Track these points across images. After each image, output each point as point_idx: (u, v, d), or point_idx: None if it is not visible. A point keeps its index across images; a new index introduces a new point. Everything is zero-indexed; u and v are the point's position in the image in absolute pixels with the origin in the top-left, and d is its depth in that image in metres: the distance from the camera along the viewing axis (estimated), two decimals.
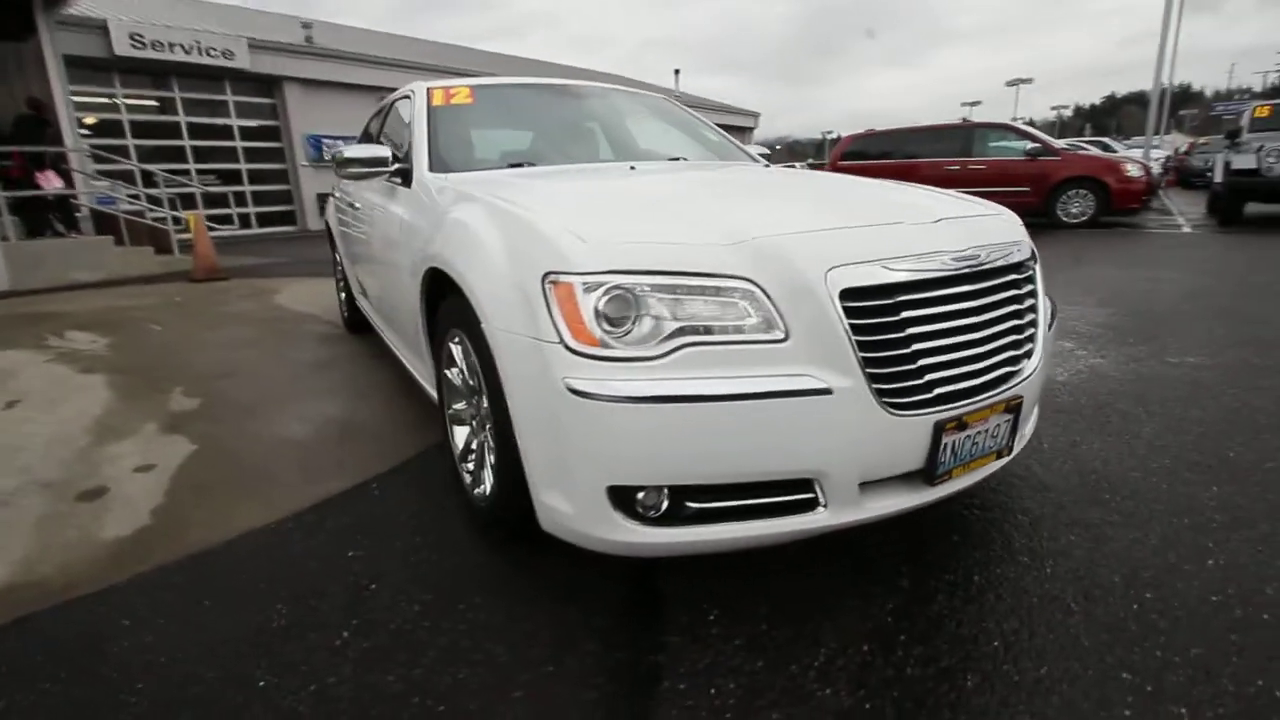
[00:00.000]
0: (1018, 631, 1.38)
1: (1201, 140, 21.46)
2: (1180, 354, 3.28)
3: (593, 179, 2.00)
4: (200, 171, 13.84)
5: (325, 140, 15.99)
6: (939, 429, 1.35)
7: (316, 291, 6.03)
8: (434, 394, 2.20)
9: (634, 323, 1.26)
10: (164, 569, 1.74)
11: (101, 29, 11.80)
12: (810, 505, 1.33)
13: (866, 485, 1.36)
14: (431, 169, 2.21)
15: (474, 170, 2.22)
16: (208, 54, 13.15)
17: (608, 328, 1.26)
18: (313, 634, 1.46)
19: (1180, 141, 27.31)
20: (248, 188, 15.17)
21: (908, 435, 1.34)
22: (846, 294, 1.28)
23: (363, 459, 2.38)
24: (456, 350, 1.80)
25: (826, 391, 1.26)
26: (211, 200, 13.88)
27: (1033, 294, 1.61)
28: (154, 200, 8.79)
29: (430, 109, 2.48)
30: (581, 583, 1.60)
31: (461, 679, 1.32)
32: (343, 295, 4.42)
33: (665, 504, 1.31)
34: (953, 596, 1.51)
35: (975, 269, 1.43)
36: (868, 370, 1.28)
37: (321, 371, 3.50)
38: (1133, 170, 9.00)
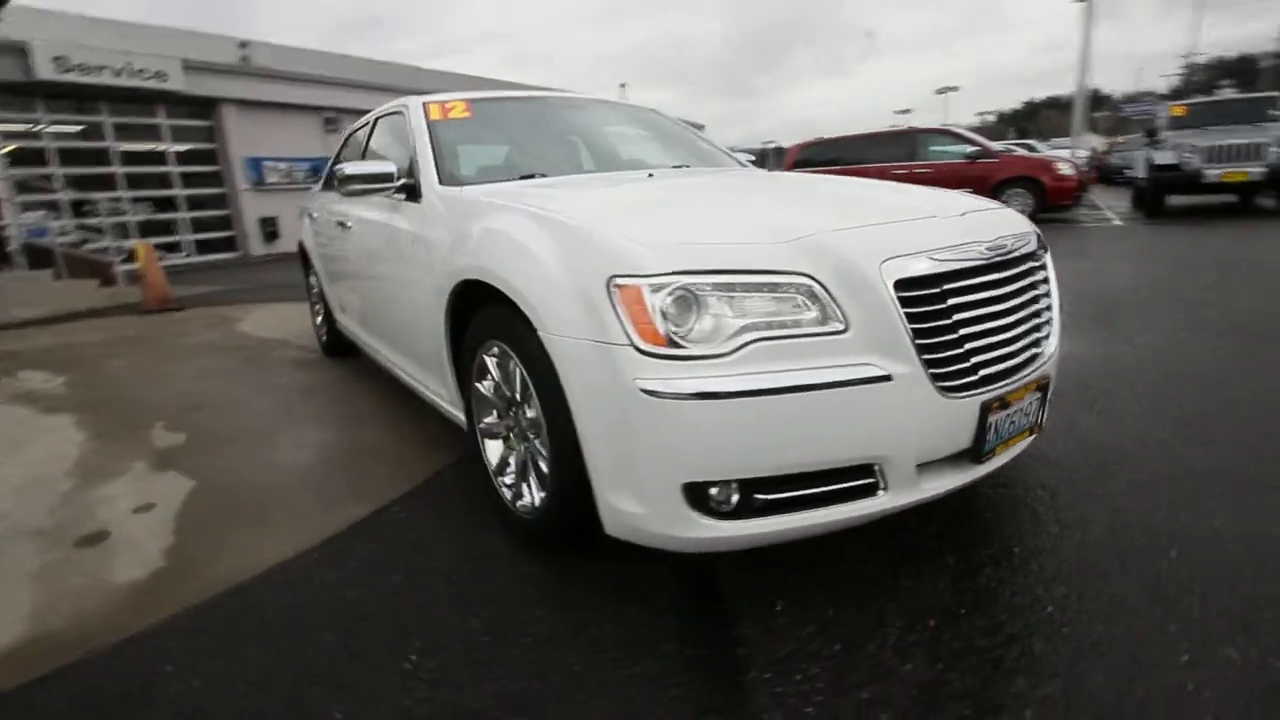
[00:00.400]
0: (1067, 596, 1.46)
1: (1119, 140, 22.93)
2: (1141, 335, 3.50)
3: (619, 187, 2.03)
4: (135, 200, 13.20)
5: (266, 162, 15.50)
6: (985, 409, 1.42)
7: (282, 317, 5.83)
8: (453, 411, 2.17)
9: (700, 322, 1.29)
10: (194, 610, 1.66)
11: (21, 51, 11.16)
12: (872, 490, 1.38)
13: (922, 467, 1.41)
14: (442, 183, 2.19)
15: (486, 183, 2.21)
16: (139, 76, 12.58)
17: (674, 328, 1.28)
18: (375, 659, 1.42)
19: (1095, 142, 29.10)
20: (185, 214, 14.54)
21: (958, 416, 1.40)
22: (900, 284, 1.34)
23: (376, 483, 2.31)
24: (491, 362, 1.79)
25: (887, 378, 1.31)
26: (152, 229, 13.26)
27: (1046, 279, 1.71)
28: (90, 230, 8.33)
29: (430, 124, 2.46)
30: (639, 585, 1.61)
31: (542, 689, 1.30)
32: (319, 319, 4.30)
33: (736, 498, 1.33)
34: (999, 569, 1.58)
35: (1005, 257, 1.52)
36: (923, 356, 1.34)
37: (308, 397, 3.39)
38: (1065, 169, 9.55)
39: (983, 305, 1.45)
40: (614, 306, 1.31)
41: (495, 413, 1.91)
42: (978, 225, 1.56)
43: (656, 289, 1.29)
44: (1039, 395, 1.58)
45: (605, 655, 1.39)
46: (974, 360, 1.42)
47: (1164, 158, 8.83)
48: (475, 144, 2.49)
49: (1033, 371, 1.55)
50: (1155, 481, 1.94)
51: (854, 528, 1.45)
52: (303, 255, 4.29)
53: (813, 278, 1.32)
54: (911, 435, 1.36)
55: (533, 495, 1.72)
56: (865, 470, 1.36)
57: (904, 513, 1.45)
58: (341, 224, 2.97)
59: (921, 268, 1.37)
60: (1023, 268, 1.58)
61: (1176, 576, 1.50)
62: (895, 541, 1.72)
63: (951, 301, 1.40)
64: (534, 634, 1.47)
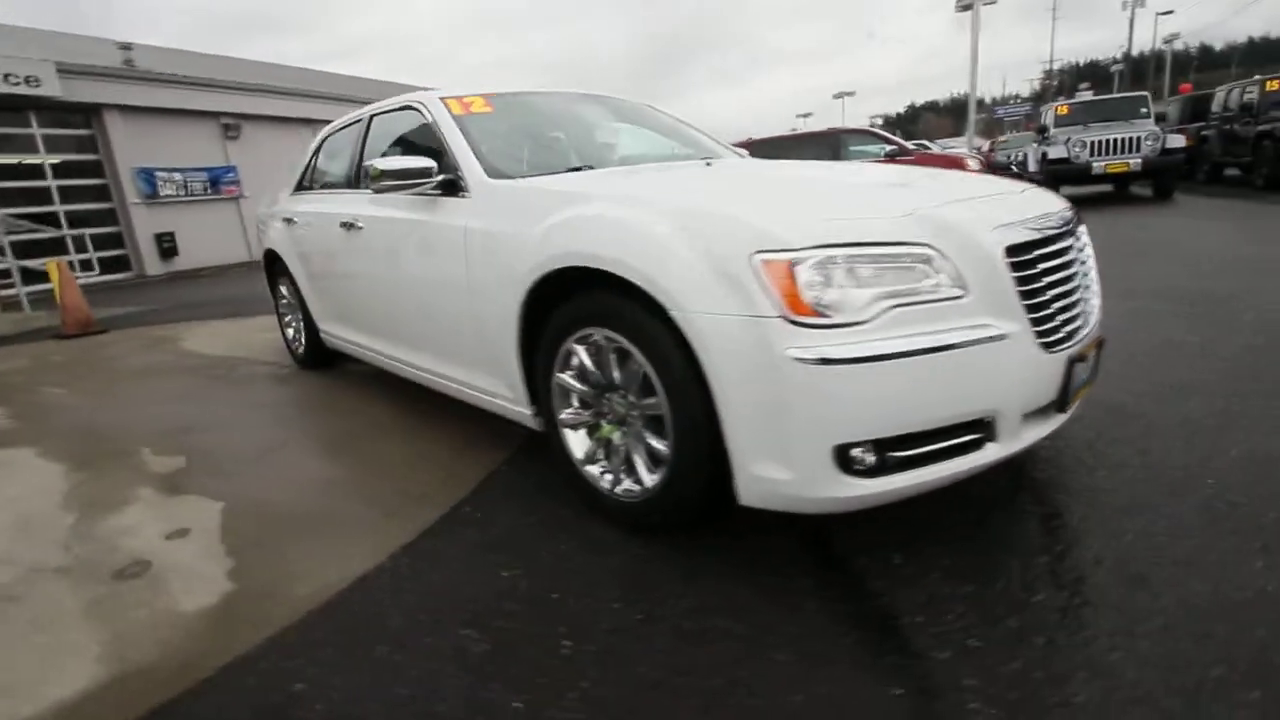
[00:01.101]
0: (1146, 525, 1.65)
1: (1000, 138, 25.10)
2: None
3: (696, 175, 2.08)
4: (18, 216, 11.83)
5: (159, 173, 14.29)
6: (1071, 362, 1.59)
7: (228, 334, 5.44)
8: (512, 408, 2.15)
9: (841, 291, 1.37)
10: (300, 627, 1.56)
11: None
12: (985, 441, 1.51)
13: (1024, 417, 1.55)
14: (490, 176, 2.16)
15: (534, 176, 2.20)
16: (7, 82, 11.30)
17: (819, 298, 1.36)
18: (528, 649, 1.41)
19: (977, 141, 31.71)
20: (67, 231, 13.17)
21: (1052, 370, 1.56)
22: (1008, 250, 1.47)
23: (431, 487, 2.25)
24: (582, 350, 1.79)
25: (1003, 337, 1.44)
26: (37, 249, 11.91)
27: (1087, 246, 1.91)
28: None
29: (457, 119, 2.41)
30: (755, 554, 1.67)
31: (713, 653, 1.34)
32: (291, 330, 4.06)
33: (873, 457, 1.42)
34: (1080, 506, 1.75)
35: (1069, 227, 1.69)
36: (1029, 316, 1.48)
37: (307, 411, 3.21)
38: (974, 164, 10.38)
39: (1060, 270, 1.62)
40: (760, 281, 1.36)
41: (578, 403, 1.91)
42: (1038, 200, 1.73)
43: (801, 262, 1.36)
44: (1096, 351, 1.77)
45: (758, 617, 1.44)
46: (1060, 319, 1.58)
47: (1056, 152, 9.78)
48: (502, 138, 2.46)
49: (1093, 329, 1.73)
50: (1167, 427, 2.20)
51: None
52: (269, 264, 4.04)
53: (933, 247, 1.43)
54: (1020, 389, 1.50)
55: (640, 478, 1.74)
56: (981, 424, 1.49)
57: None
58: (348, 225, 2.84)
59: (1022, 235, 1.52)
60: (1077, 236, 1.77)
61: (1222, 503, 1.72)
62: (972, 493, 1.86)
63: (1041, 266, 1.55)
64: (681, 607, 1.50)
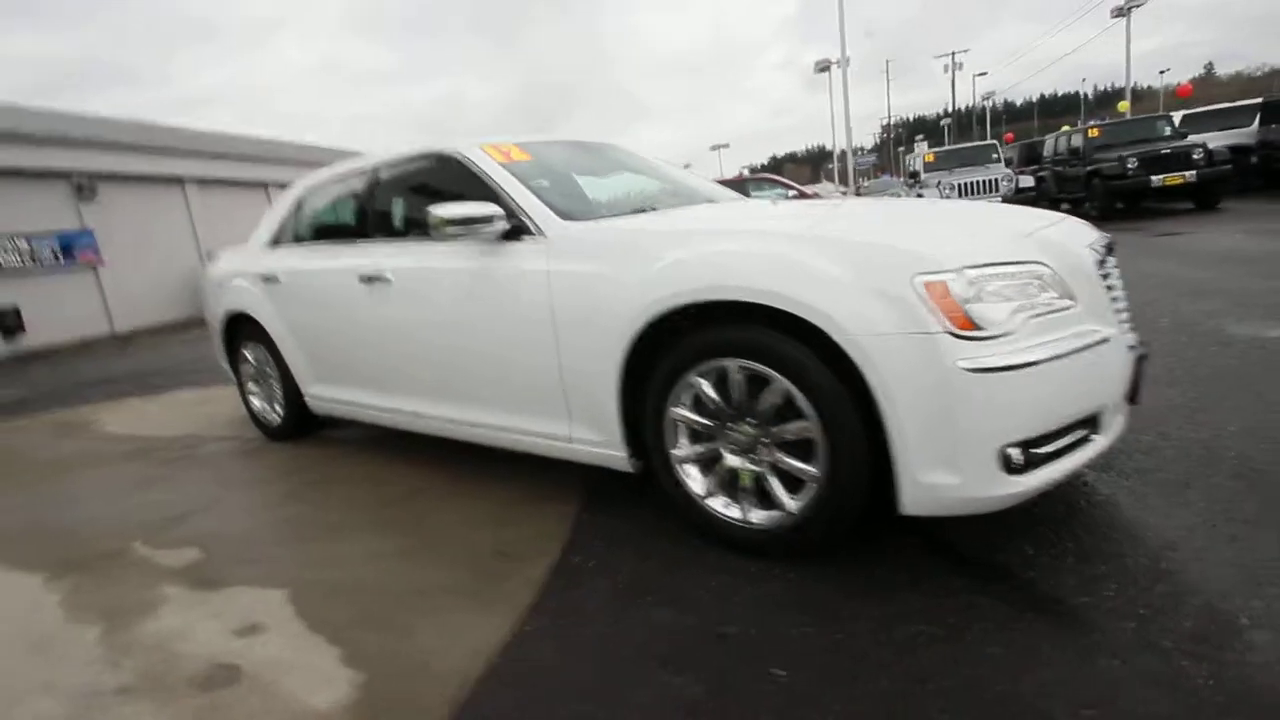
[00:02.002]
0: (1205, 494, 1.91)
1: (864, 183, 27.84)
2: None
3: (789, 212, 2.18)
4: None
5: None
6: (1139, 361, 1.84)
7: (154, 413, 4.84)
8: (598, 452, 2.12)
9: (990, 305, 1.52)
10: (474, 701, 1.45)
11: None
12: (1090, 436, 1.70)
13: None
14: (564, 219, 2.18)
15: (603, 218, 2.24)
16: None
17: (974, 313, 1.50)
18: (742, 683, 1.39)
19: (830, 188, 35.01)
20: None
21: (1129, 368, 1.80)
22: (1095, 264, 1.71)
23: (518, 544, 2.14)
24: (704, 383, 1.83)
25: (1107, 340, 1.66)
26: None
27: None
28: None
29: (507, 166, 2.41)
30: (892, 568, 1.75)
31: (934, 659, 1.39)
32: (258, 400, 3.71)
33: (1022, 456, 1.56)
34: (1142, 485, 1.99)
35: (1111, 246, 1.98)
36: (1119, 321, 1.72)
37: (317, 485, 2.93)
38: None
39: (1115, 280, 1.88)
40: (925, 301, 1.49)
41: (690, 437, 1.93)
42: (1082, 225, 2.01)
43: (957, 281, 1.50)
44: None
45: (946, 618, 1.50)
46: (1127, 321, 1.83)
47: (929, 194, 11.05)
48: (550, 183, 2.48)
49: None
50: (1173, 408, 2.55)
51: None
52: (230, 329, 3.70)
53: (1046, 264, 1.63)
54: (1117, 385, 1.72)
55: (781, 504, 1.77)
56: (1091, 419, 1.68)
57: None
58: (369, 278, 2.69)
59: (1098, 252, 1.76)
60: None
61: (1251, 470, 2.03)
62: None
63: (1110, 278, 1.81)
64: (869, 622, 1.53)
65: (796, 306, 1.60)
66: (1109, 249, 1.97)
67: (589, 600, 1.78)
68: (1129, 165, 9.83)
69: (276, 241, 3.42)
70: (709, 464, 1.94)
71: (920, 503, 1.58)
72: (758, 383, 1.76)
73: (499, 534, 2.24)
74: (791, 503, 1.76)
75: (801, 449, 1.74)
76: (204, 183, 16.21)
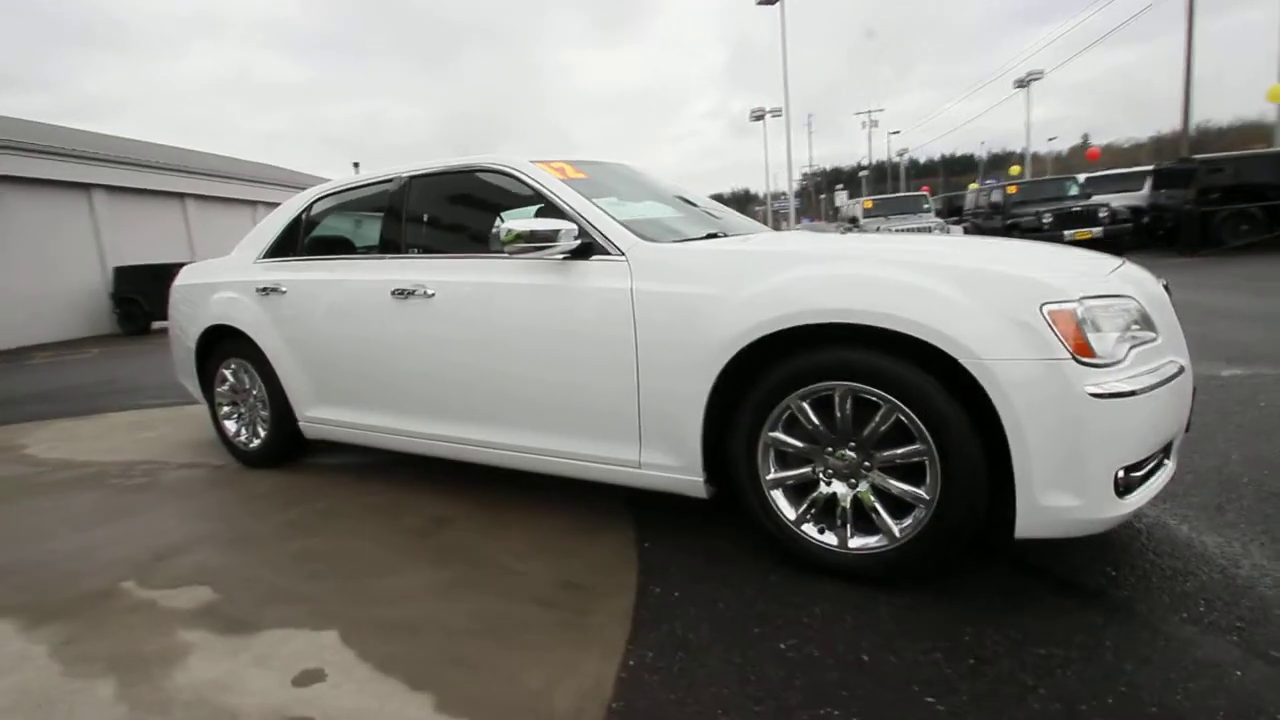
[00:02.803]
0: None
1: (799, 225, 29.21)
2: None
3: (860, 240, 2.22)
4: None
5: None
6: (1193, 392, 1.98)
7: (90, 435, 4.30)
8: (674, 478, 2.06)
9: (1103, 334, 1.60)
10: None
11: None
12: (1164, 462, 1.80)
13: None
14: (643, 239, 2.14)
15: (671, 240, 2.22)
16: None
17: (1092, 341, 1.57)
18: (895, 713, 1.35)
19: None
20: None
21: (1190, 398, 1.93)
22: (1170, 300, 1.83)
23: (589, 575, 2.03)
24: (805, 405, 1.81)
25: (1184, 370, 1.77)
26: None
27: None
28: None
29: (569, 183, 2.35)
30: (990, 594, 1.77)
31: (1082, 678, 1.40)
32: (234, 422, 3.39)
33: (1125, 479, 1.63)
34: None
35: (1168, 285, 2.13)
36: (1186, 353, 1.84)
37: (324, 516, 2.67)
38: None
39: None
40: (1053, 328, 1.54)
41: (783, 463, 1.90)
42: (1138, 266, 2.16)
43: (1078, 310, 1.57)
44: None
45: (1072, 639, 1.52)
46: None
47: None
48: (611, 203, 2.43)
49: None
50: None
51: None
52: (203, 345, 3.38)
53: (1136, 299, 1.73)
54: (1185, 412, 1.83)
55: (887, 529, 1.76)
56: (1168, 445, 1.78)
57: None
58: (403, 292, 2.53)
59: (1167, 291, 1.89)
60: None
61: (1264, 490, 2.21)
62: None
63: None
64: (997, 646, 1.53)
65: (924, 331, 1.61)
66: (1167, 289, 2.12)
67: (692, 633, 1.69)
68: (1044, 220, 10.79)
69: (276, 253, 3.17)
70: (802, 489, 1.91)
71: (1035, 526, 1.61)
72: (863, 406, 1.76)
73: (559, 565, 2.11)
74: (896, 527, 1.76)
75: (908, 473, 1.74)
76: (114, 190, 14.93)
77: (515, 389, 2.34)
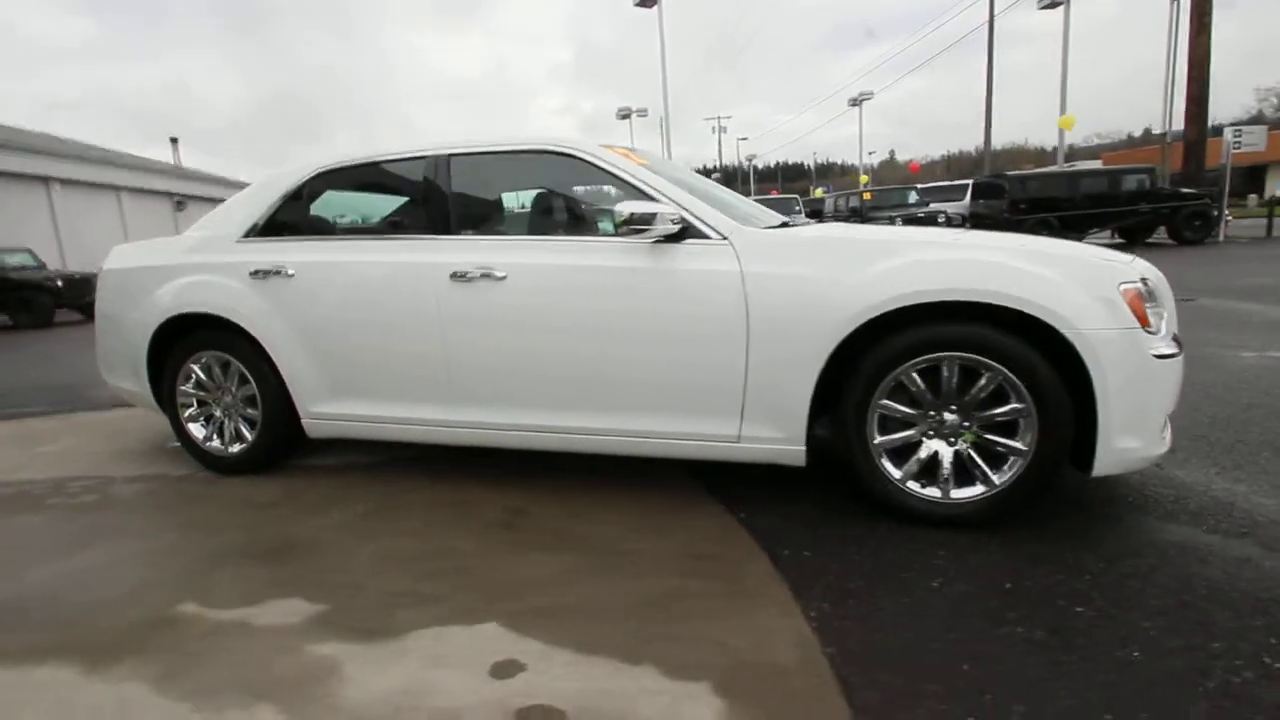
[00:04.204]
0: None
1: None
2: None
3: (937, 232, 2.46)
4: None
5: None
6: None
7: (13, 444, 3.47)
8: (780, 449, 2.21)
9: (1152, 309, 1.99)
10: (870, 712, 1.45)
11: None
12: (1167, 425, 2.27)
13: None
14: (742, 224, 2.25)
15: (756, 225, 2.35)
16: None
17: (1147, 314, 1.96)
18: (1108, 656, 1.62)
19: None
20: None
21: None
22: None
23: (710, 545, 2.11)
24: (914, 374, 2.05)
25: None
26: None
27: None
28: None
29: (650, 169, 2.39)
30: (1067, 527, 2.13)
31: (1160, 571, 1.76)
32: (199, 425, 2.97)
33: (1165, 423, 2.05)
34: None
35: None
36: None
37: (369, 515, 2.46)
38: None
39: None
40: (1127, 303, 1.90)
41: (886, 428, 2.13)
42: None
43: (1141, 289, 1.95)
44: None
45: (1147, 545, 1.90)
46: None
47: None
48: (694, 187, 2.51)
49: None
50: None
51: None
52: (158, 339, 2.92)
53: (1151, 283, 2.16)
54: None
55: (989, 480, 2.05)
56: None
57: None
58: (464, 276, 2.40)
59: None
60: None
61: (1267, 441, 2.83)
62: None
63: None
64: (1103, 562, 1.86)
65: (1032, 307, 1.91)
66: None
67: (849, 584, 1.85)
68: (896, 223, 12.25)
69: (269, 232, 2.82)
70: (904, 451, 2.14)
71: (1109, 465, 1.97)
72: (964, 374, 2.03)
73: (671, 541, 2.16)
74: (996, 477, 2.05)
75: (1002, 429, 2.04)
76: None
77: (605, 372, 2.34)
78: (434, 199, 2.60)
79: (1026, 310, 1.92)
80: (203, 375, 2.93)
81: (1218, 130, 16.61)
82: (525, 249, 2.42)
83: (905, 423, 2.13)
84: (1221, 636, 1.54)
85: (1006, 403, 2.01)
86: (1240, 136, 12.40)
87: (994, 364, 1.98)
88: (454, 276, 2.44)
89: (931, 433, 2.12)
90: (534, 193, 2.64)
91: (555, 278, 2.36)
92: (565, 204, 2.66)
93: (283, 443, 2.90)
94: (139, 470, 3.08)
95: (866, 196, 13.66)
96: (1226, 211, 13.28)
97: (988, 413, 2.04)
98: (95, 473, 3.08)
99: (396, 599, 1.89)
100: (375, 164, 2.77)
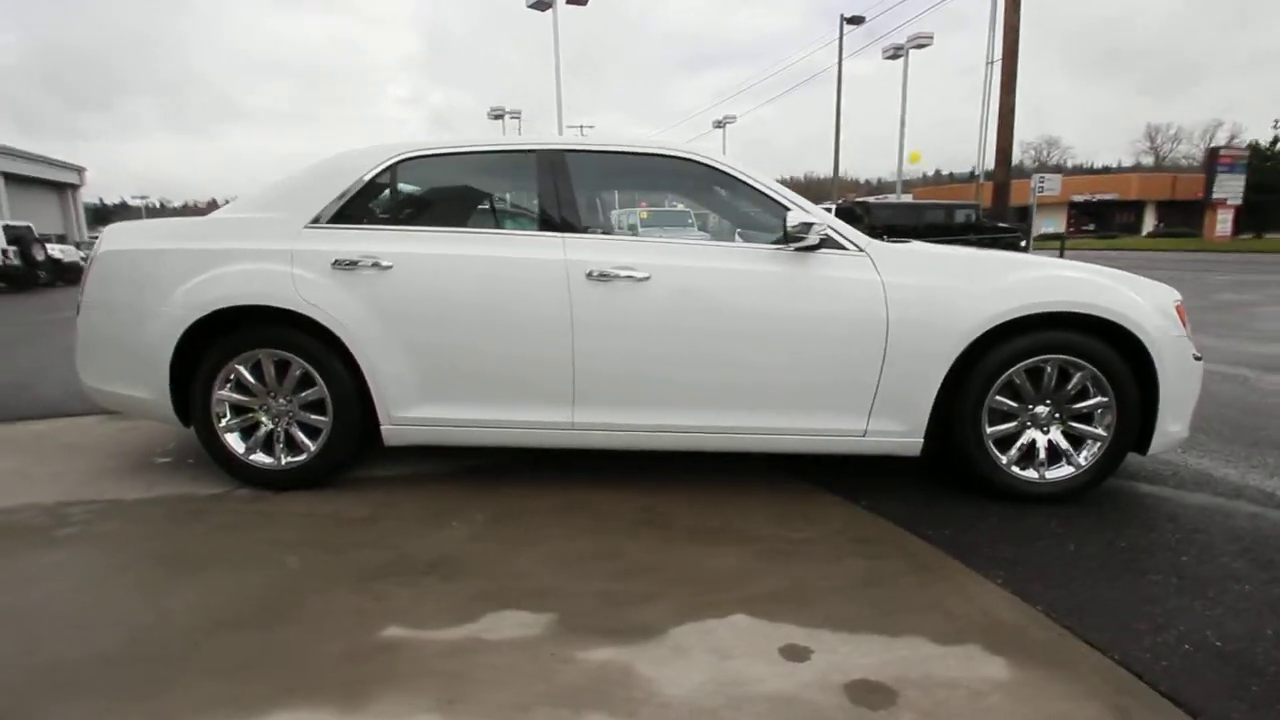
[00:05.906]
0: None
1: None
2: None
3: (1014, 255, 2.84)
4: None
5: None
6: None
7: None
8: (898, 440, 2.48)
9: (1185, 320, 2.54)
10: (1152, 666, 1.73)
11: None
12: None
13: None
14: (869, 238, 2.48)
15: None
16: None
17: (1187, 324, 2.49)
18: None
19: None
20: None
21: None
22: None
23: (863, 529, 2.30)
24: (1022, 374, 2.42)
25: None
26: None
27: None
28: None
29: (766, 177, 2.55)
30: (1130, 494, 2.62)
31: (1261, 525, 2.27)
32: (237, 437, 2.60)
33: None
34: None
35: None
36: None
37: (497, 521, 2.32)
38: None
39: None
40: (1179, 315, 2.42)
41: (994, 420, 2.47)
42: None
43: (1182, 304, 2.48)
44: None
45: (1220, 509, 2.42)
46: None
47: None
48: None
49: None
50: None
51: None
52: (192, 336, 2.52)
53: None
54: None
55: (1075, 462, 2.46)
56: None
57: None
58: (605, 276, 2.39)
59: None
60: None
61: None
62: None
63: None
64: (1194, 512, 2.33)
65: (1121, 318, 2.35)
66: None
67: (1002, 552, 2.14)
68: None
69: (345, 219, 2.55)
70: (1007, 440, 2.50)
71: (1160, 445, 2.47)
72: (1067, 373, 2.43)
73: (828, 528, 2.33)
74: (1082, 459, 2.48)
75: (1084, 418, 2.48)
76: None
77: (744, 372, 2.45)
78: (554, 195, 2.54)
79: (1117, 320, 2.36)
80: (250, 378, 2.56)
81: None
82: (666, 250, 2.47)
83: (1008, 415, 2.49)
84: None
85: (1089, 397, 2.44)
86: (1044, 182, 15.33)
87: (1085, 364, 2.40)
88: (591, 275, 2.41)
89: (1029, 423, 2.50)
90: (662, 196, 2.67)
91: (700, 280, 2.44)
92: (693, 210, 2.73)
93: (351, 452, 2.63)
94: (146, 491, 2.61)
95: None
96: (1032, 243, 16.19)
97: (1076, 406, 2.46)
98: (96, 496, 2.55)
99: (614, 600, 1.86)
100: (469, 154, 2.63)
